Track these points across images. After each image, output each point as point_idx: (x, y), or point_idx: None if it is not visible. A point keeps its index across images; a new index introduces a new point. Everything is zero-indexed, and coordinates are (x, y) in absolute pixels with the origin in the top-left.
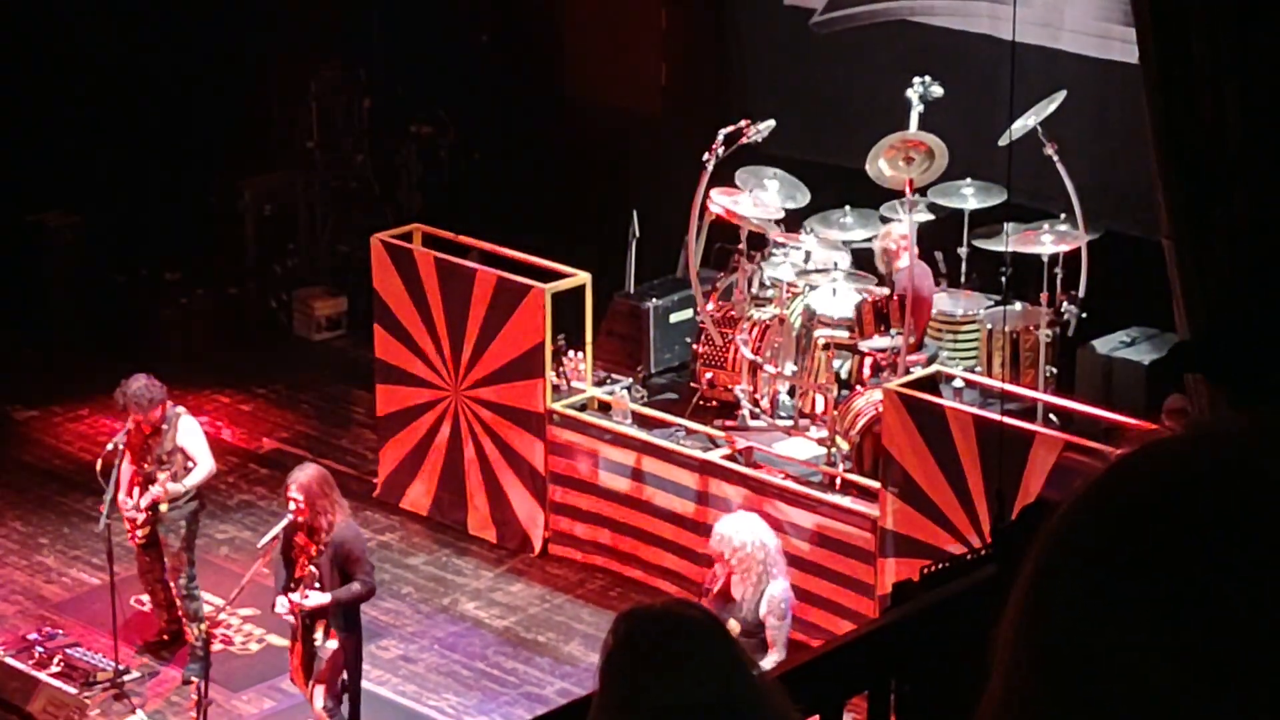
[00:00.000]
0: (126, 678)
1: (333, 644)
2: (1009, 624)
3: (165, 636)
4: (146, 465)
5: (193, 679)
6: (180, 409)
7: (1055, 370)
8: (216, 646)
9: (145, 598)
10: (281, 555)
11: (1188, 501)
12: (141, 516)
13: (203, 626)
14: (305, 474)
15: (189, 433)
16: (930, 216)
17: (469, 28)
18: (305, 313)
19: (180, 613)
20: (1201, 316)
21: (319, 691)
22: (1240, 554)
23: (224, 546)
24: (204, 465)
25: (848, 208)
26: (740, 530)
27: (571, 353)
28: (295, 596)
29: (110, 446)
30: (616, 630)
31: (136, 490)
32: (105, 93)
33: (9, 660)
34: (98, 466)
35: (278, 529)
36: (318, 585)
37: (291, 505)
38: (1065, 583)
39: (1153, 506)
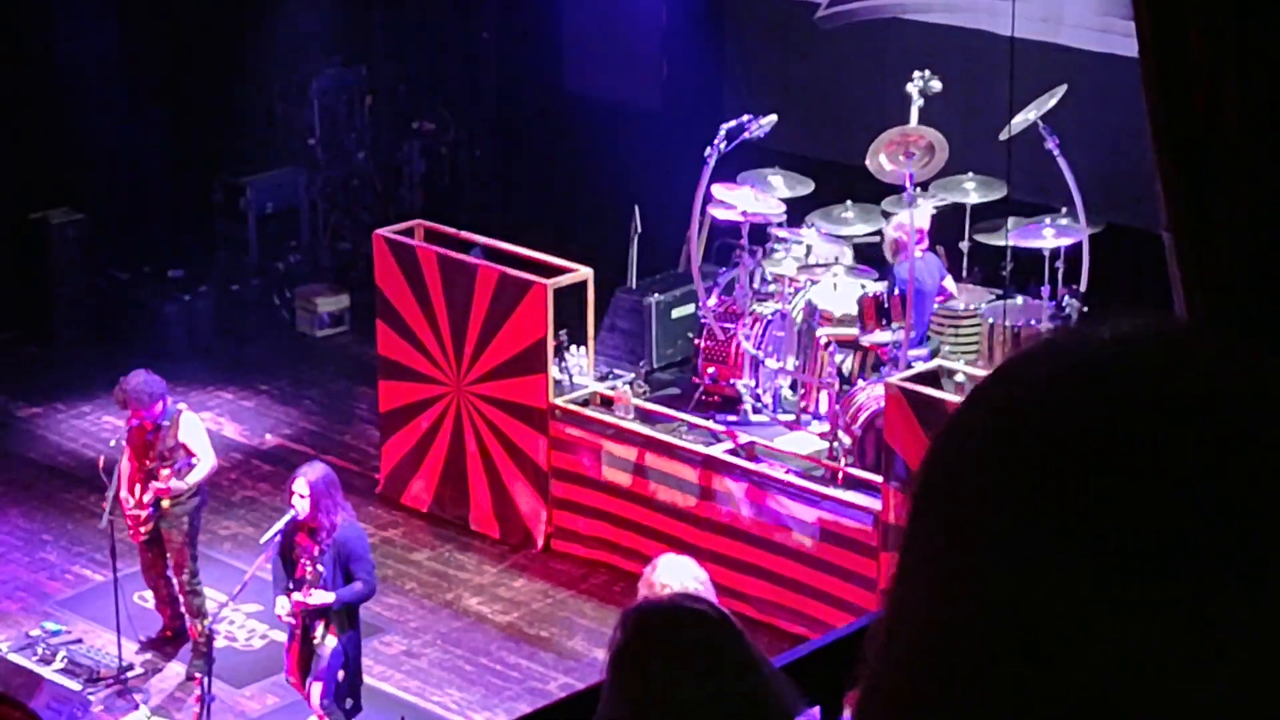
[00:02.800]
0: (130, 674)
1: (332, 641)
2: (901, 581)
3: (168, 633)
4: (148, 462)
5: (196, 675)
6: (182, 405)
7: None
8: (220, 642)
9: (148, 594)
10: (281, 556)
11: (1172, 449)
12: (144, 513)
13: (206, 622)
14: (311, 472)
15: (191, 429)
16: (932, 208)
17: (470, 24)
18: (308, 309)
19: (183, 609)
20: (1201, 309)
21: (316, 689)
22: (1247, 510)
23: (227, 542)
24: (206, 461)
25: (849, 202)
26: (673, 578)
27: (574, 347)
28: (299, 596)
29: (113, 443)
30: (626, 623)
31: (138, 487)
32: (108, 90)
33: (12, 657)
34: (100, 463)
35: (280, 525)
36: (322, 585)
37: (295, 500)
38: (990, 536)
39: (1111, 451)
